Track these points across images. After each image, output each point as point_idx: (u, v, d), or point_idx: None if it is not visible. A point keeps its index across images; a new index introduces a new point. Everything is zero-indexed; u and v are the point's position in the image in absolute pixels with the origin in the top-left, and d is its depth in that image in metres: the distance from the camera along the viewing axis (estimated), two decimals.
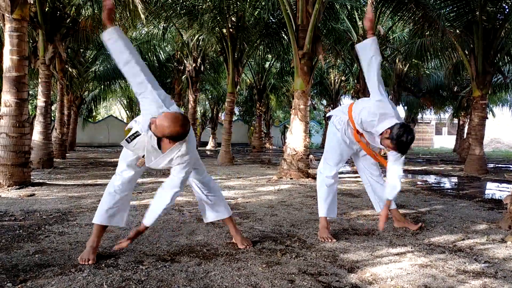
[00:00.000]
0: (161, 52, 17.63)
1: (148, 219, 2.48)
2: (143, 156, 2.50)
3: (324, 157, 3.39)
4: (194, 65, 14.55)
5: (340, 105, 26.24)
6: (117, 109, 39.22)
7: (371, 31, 3.03)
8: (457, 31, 9.29)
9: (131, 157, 2.62)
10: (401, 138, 2.74)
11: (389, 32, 14.35)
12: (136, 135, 2.40)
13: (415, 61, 13.47)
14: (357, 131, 3.15)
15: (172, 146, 2.35)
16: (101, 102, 23.25)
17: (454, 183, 7.75)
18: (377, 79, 2.91)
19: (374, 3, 9.45)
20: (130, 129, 2.48)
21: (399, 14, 10.04)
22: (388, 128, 2.80)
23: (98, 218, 2.64)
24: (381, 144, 2.97)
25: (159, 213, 2.48)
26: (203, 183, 2.88)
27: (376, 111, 2.85)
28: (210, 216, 2.97)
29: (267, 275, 2.31)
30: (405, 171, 9.98)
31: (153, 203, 2.52)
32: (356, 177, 7.72)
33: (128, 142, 2.43)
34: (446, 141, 33.86)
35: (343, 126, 3.23)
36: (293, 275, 2.32)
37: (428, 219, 3.96)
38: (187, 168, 2.47)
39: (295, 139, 7.52)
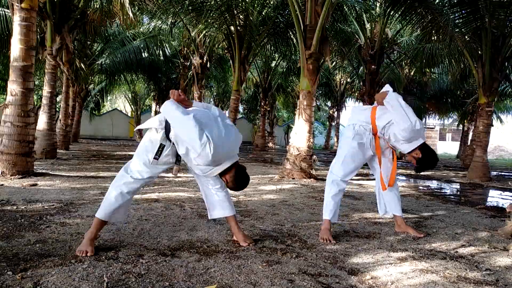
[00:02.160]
0: (168, 47, 17.61)
1: None
2: (175, 162, 2.65)
3: (338, 159, 3.31)
4: (200, 61, 14.55)
5: (345, 107, 26.29)
6: (122, 103, 39.37)
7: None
8: (465, 37, 9.25)
9: (160, 166, 2.67)
10: (427, 163, 3.19)
11: (397, 35, 14.30)
12: (161, 148, 2.59)
13: (421, 65, 13.42)
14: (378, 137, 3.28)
15: None
16: (107, 96, 23.27)
17: (456, 189, 7.72)
18: (405, 109, 3.11)
19: (383, 5, 9.42)
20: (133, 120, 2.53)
21: (407, 18, 10.00)
22: (418, 150, 3.15)
23: (103, 214, 2.61)
24: (406, 158, 3.33)
25: None
26: (214, 179, 2.83)
27: (408, 135, 3.09)
28: (217, 213, 2.92)
29: (267, 274, 2.31)
30: (407, 175, 9.95)
31: None
32: (358, 179, 7.70)
33: (157, 159, 2.59)
34: (449, 147, 33.81)
35: (369, 136, 3.27)
36: (293, 275, 2.31)
37: (430, 224, 3.94)
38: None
39: (299, 139, 7.50)
